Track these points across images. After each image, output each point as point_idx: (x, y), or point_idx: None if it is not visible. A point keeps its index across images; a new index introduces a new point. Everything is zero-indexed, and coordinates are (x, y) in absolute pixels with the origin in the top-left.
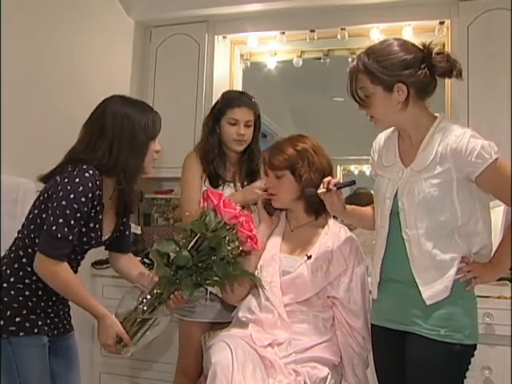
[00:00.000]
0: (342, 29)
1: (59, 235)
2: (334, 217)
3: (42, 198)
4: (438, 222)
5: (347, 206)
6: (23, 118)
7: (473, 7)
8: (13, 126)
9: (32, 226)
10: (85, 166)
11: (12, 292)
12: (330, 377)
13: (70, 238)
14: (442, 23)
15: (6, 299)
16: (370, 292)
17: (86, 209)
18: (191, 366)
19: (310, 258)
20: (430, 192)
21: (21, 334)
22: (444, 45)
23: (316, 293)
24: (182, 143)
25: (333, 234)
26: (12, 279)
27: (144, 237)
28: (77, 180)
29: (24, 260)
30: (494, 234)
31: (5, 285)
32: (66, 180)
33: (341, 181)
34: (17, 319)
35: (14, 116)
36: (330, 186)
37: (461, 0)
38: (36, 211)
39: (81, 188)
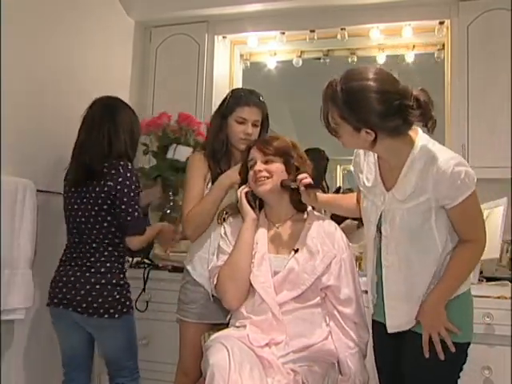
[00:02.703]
0: (341, 29)
1: (139, 215)
2: (313, 208)
3: (100, 201)
4: (418, 251)
5: (324, 196)
6: (23, 118)
7: (473, 7)
8: (13, 126)
9: (105, 224)
10: (122, 162)
11: (121, 282)
12: (328, 376)
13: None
14: (441, 23)
15: (122, 282)
16: (367, 292)
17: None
18: (191, 367)
19: (297, 251)
20: (411, 221)
21: (130, 310)
22: (444, 45)
23: (309, 285)
24: None
25: (316, 224)
26: (117, 271)
27: None
28: (128, 174)
29: (116, 253)
30: (494, 234)
31: (120, 274)
32: (121, 179)
33: (311, 182)
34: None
35: (14, 116)
36: (301, 188)
37: (461, 0)
38: (102, 212)
39: (134, 178)
